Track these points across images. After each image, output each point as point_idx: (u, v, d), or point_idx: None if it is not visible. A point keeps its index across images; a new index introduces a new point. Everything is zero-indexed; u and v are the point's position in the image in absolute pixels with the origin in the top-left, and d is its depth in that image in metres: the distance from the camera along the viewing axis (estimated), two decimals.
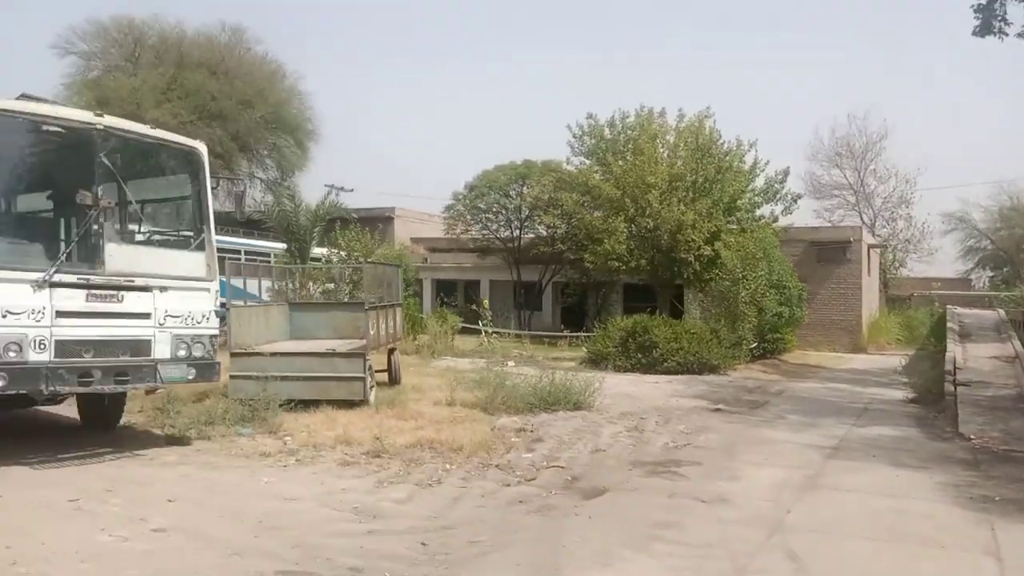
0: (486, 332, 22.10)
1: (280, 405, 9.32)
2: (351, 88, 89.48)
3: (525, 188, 30.92)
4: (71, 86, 29.97)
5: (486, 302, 23.82)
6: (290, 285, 20.09)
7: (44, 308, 6.66)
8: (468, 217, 32.45)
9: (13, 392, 6.72)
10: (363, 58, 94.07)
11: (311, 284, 20.71)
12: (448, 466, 7.49)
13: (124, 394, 8.52)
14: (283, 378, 9.88)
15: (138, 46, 30.56)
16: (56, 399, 8.31)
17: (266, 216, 24.52)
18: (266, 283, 17.17)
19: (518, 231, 31.86)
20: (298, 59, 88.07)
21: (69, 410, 9.37)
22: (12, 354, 6.48)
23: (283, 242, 23.32)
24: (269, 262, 23.87)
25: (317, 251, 24.04)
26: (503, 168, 31.69)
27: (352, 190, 31.13)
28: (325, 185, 31.77)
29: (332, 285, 21.15)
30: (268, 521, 5.56)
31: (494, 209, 31.93)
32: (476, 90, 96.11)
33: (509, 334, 23.44)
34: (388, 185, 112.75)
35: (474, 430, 9.02)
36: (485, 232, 32.57)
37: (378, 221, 34.08)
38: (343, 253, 22.97)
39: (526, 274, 31.84)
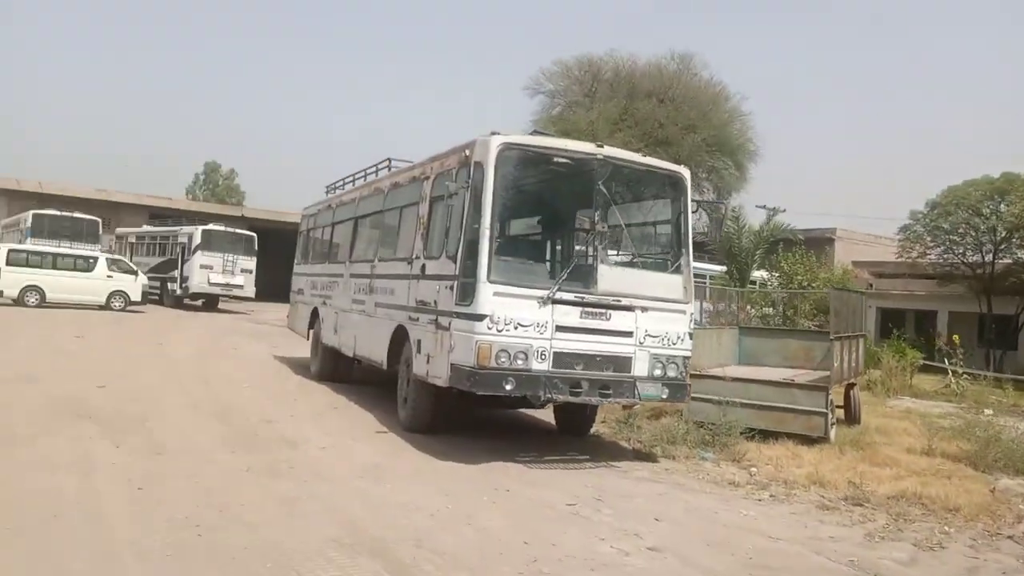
0: (954, 372, 19.34)
1: (740, 433, 9.13)
2: (787, 103, 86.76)
3: (1003, 206, 26.54)
4: (537, 122, 33.76)
5: (956, 337, 20.89)
6: (727, 308, 19.91)
7: (546, 323, 7.36)
8: (927, 239, 28.93)
9: (516, 395, 7.55)
10: (801, 72, 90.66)
11: (749, 308, 20.24)
12: (947, 529, 6.48)
13: (597, 406, 9.08)
14: (739, 404, 9.69)
15: (595, 82, 33.25)
16: (541, 404, 9.16)
17: (706, 238, 24.69)
18: (703, 305, 17.30)
19: (990, 255, 27.46)
20: (742, 78, 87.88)
21: (540, 414, 10.34)
22: (520, 362, 7.27)
23: (722, 264, 23.23)
24: (705, 283, 24.06)
25: (756, 274, 23.48)
26: (975, 183, 27.58)
27: (784, 210, 29.87)
28: (756, 206, 31.00)
29: (771, 310, 20.41)
30: (758, 559, 5.31)
31: (960, 230, 27.99)
32: (926, 97, 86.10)
33: (984, 376, 20.14)
34: (824, 205, 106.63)
35: (968, 489, 7.76)
36: (947, 256, 28.70)
37: (818, 243, 32.23)
38: (778, 276, 22.09)
39: (998, 306, 27.32)
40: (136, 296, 26.70)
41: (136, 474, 6.13)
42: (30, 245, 26.25)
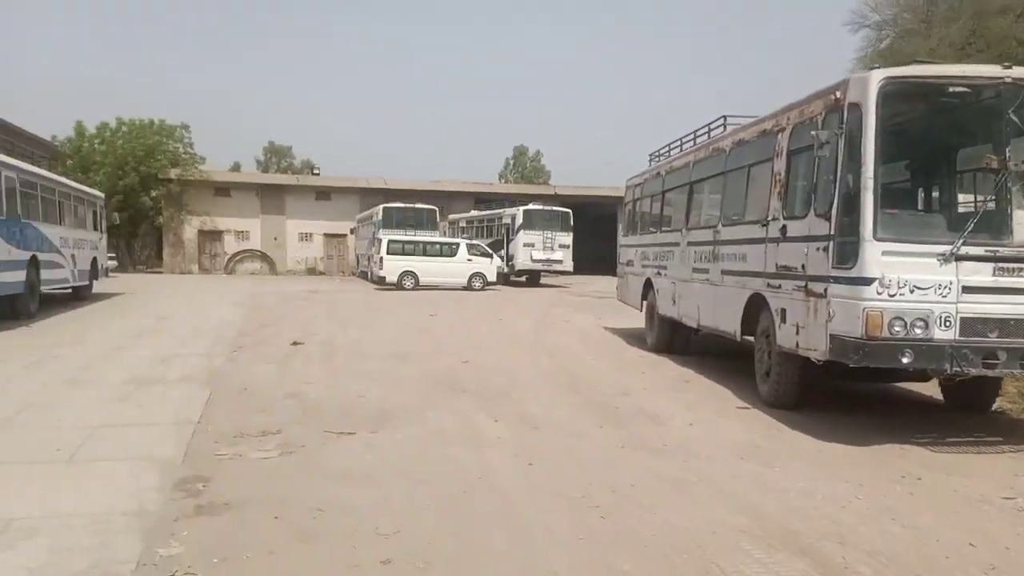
0: None
1: None
2: None
3: None
4: (862, 59, 30.43)
5: None
6: None
7: (950, 283, 6.27)
8: None
9: (914, 368, 6.56)
10: None
11: None
12: None
13: (1001, 378, 7.67)
14: None
15: (930, 5, 29.09)
16: (927, 377, 7.96)
17: None
18: None
19: None
20: None
21: (914, 385, 9.08)
22: (918, 330, 6.29)
23: None
24: None
25: None
26: None
27: None
28: None
29: None
30: None
31: None
32: None
33: None
34: None
35: None
36: None
37: None
38: None
39: None
40: (492, 277, 29.18)
41: (521, 449, 6.30)
42: (404, 235, 29.88)
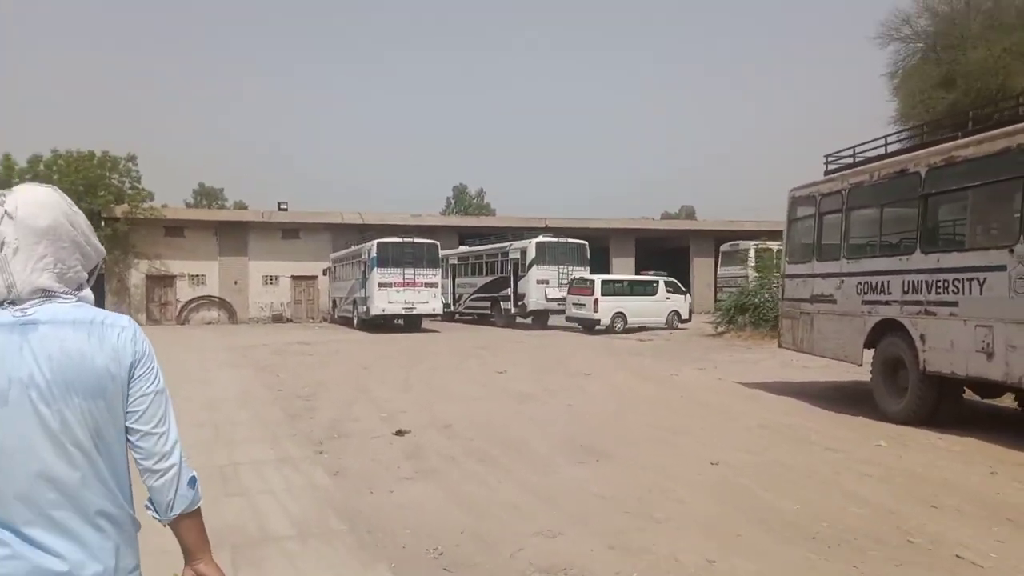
0: None
1: None
2: None
3: None
4: (894, 75, 27.99)
5: None
6: None
7: None
8: None
9: None
10: None
11: None
12: None
13: None
14: None
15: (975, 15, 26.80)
16: None
17: None
18: None
19: None
20: None
21: None
22: None
23: None
24: None
25: None
26: None
27: None
28: None
29: None
30: None
31: None
32: None
33: None
34: None
35: None
36: None
37: None
38: None
39: None
40: (685, 314, 27.70)
41: None
42: (615, 275, 27.76)
